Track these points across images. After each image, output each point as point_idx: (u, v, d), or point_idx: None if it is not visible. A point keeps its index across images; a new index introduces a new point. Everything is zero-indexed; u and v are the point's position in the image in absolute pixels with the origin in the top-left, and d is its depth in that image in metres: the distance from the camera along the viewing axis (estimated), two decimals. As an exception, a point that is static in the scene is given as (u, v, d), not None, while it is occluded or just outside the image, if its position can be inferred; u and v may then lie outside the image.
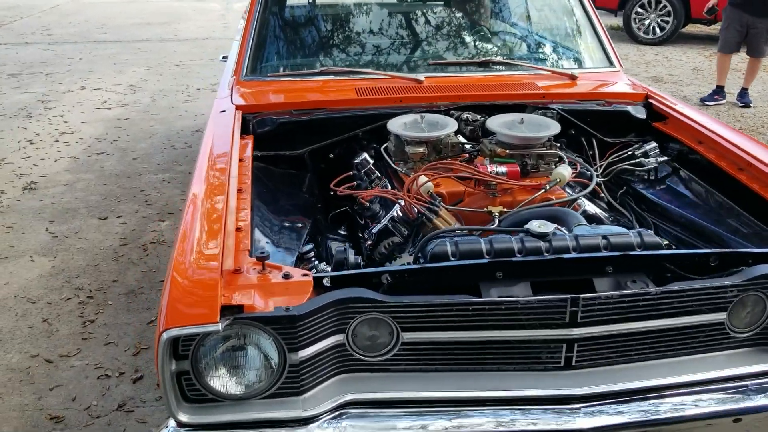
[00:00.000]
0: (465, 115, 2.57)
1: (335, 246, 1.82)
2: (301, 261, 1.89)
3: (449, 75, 2.82)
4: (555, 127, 2.25)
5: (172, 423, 1.53)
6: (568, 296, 1.58)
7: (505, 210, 2.02)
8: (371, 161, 2.40)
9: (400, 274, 1.63)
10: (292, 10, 3.00)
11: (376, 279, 1.62)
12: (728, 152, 2.28)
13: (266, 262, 1.63)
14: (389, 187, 2.28)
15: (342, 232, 2.32)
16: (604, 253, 1.67)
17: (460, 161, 2.31)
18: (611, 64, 3.00)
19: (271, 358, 1.52)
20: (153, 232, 3.99)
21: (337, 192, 2.27)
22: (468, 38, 3.02)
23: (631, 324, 1.64)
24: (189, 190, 2.06)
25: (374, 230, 2.09)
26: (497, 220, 1.99)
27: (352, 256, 1.78)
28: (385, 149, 2.40)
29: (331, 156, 2.61)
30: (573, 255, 1.66)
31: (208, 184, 1.98)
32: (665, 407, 1.63)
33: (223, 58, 3.79)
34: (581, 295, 1.58)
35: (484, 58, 2.87)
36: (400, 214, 2.08)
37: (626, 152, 2.61)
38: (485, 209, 2.03)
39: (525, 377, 1.65)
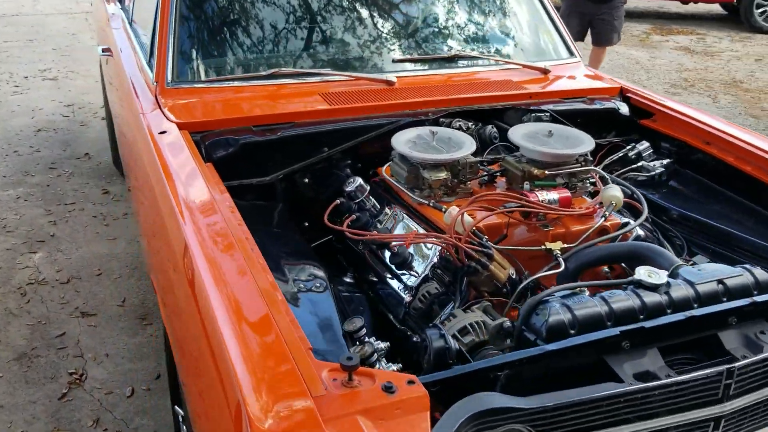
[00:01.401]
0: (457, 123, 2.21)
1: (429, 332, 1.41)
2: (352, 342, 1.46)
3: (419, 74, 2.43)
4: (590, 142, 1.96)
5: None
6: (724, 368, 1.31)
7: (565, 246, 1.71)
8: (367, 188, 1.98)
9: (519, 363, 1.27)
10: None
11: (493, 374, 1.25)
12: (749, 154, 2.13)
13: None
14: (403, 219, 1.87)
15: (348, 280, 1.89)
16: (731, 304, 1.42)
17: (479, 184, 1.96)
18: (572, 54, 2.77)
19: None
20: (27, 269, 3.24)
21: (349, 234, 1.83)
22: (428, 30, 2.63)
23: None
24: (169, 264, 1.53)
25: (415, 283, 1.69)
26: (561, 260, 1.67)
27: (451, 342, 1.39)
28: (390, 173, 1.98)
29: (306, 181, 2.14)
30: (701, 310, 1.40)
31: (210, 256, 1.45)
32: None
33: (104, 51, 3.09)
34: (736, 365, 1.32)
35: (453, 53, 2.51)
36: (439, 259, 1.69)
37: (618, 154, 2.39)
38: (542, 247, 1.70)
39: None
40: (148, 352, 2.72)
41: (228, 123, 2.08)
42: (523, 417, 1.19)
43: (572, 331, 1.34)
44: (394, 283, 1.76)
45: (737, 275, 1.49)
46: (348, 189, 1.97)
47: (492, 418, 1.17)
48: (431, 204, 1.82)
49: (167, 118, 2.09)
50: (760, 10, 9.19)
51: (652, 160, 2.37)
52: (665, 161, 2.34)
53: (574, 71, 2.70)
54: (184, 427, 1.73)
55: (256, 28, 2.41)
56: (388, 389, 1.15)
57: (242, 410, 1.09)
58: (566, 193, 1.81)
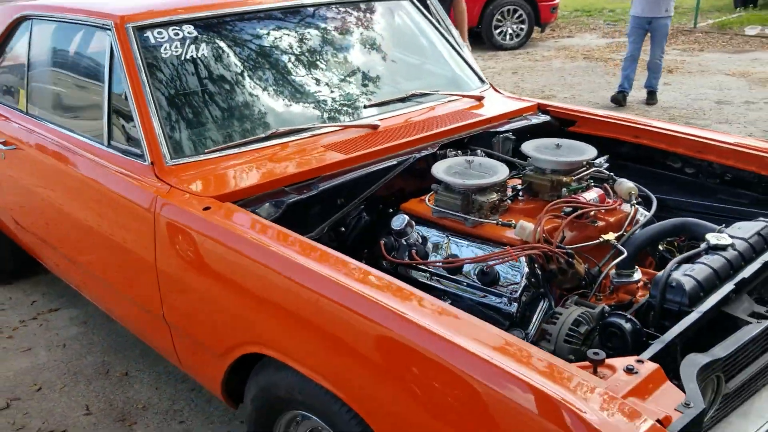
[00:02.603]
0: (452, 153, 2.43)
1: (617, 320, 1.58)
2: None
3: (389, 114, 2.60)
4: (591, 150, 2.28)
5: None
6: None
7: (616, 235, 2.00)
8: (413, 223, 2.11)
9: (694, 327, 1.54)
10: (180, 65, 2.38)
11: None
12: (677, 140, 2.61)
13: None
14: (466, 244, 2.04)
15: None
16: None
17: (509, 199, 2.20)
18: (483, 82, 3.12)
19: None
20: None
21: (442, 266, 1.95)
22: (382, 78, 2.81)
23: None
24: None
25: (515, 294, 1.87)
26: (620, 247, 1.96)
27: (636, 322, 1.60)
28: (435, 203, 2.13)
29: (343, 229, 2.20)
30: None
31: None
32: None
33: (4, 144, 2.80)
34: None
35: (409, 93, 2.72)
36: (530, 267, 1.89)
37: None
38: (600, 240, 1.98)
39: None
40: (155, 450, 2.54)
41: (263, 187, 2.09)
42: (719, 365, 1.45)
43: (701, 294, 1.64)
44: (489, 299, 1.92)
45: (766, 225, 1.90)
46: (396, 226, 2.08)
47: (708, 370, 1.41)
48: (499, 222, 2.02)
49: (193, 194, 2.04)
50: (497, 31, 10.55)
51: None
52: (604, 157, 2.75)
53: (493, 95, 3.04)
54: None
55: (233, 97, 2.42)
56: (631, 370, 1.34)
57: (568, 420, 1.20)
58: (600, 192, 2.12)
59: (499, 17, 10.36)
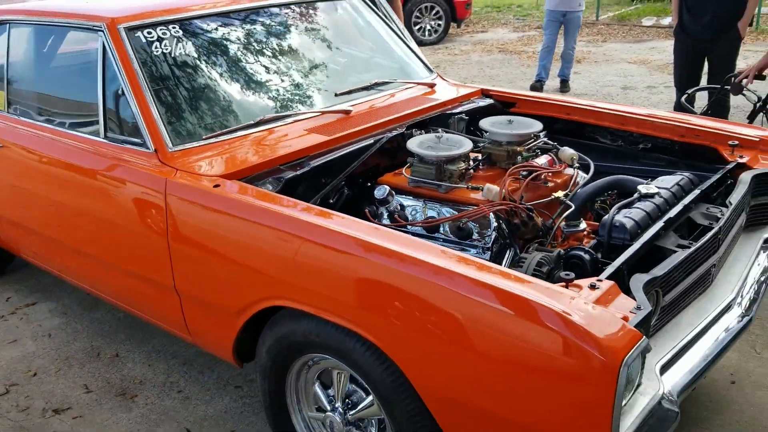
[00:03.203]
0: (417, 132, 2.77)
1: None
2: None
3: (357, 101, 2.92)
4: (538, 124, 2.67)
5: None
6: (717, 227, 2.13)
7: (563, 193, 2.39)
8: (393, 192, 2.44)
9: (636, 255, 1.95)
10: (170, 61, 2.62)
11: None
12: (602, 115, 3.05)
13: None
14: (439, 206, 2.39)
15: None
16: (694, 193, 2.27)
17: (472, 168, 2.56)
18: (431, 71, 3.48)
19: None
20: None
21: (419, 225, 2.28)
22: (347, 69, 3.12)
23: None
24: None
25: (488, 244, 2.22)
26: (569, 202, 2.36)
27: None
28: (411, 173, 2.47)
29: (331, 201, 2.51)
30: (687, 198, 2.22)
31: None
32: None
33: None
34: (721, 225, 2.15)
35: (372, 82, 3.05)
36: (496, 223, 2.26)
37: None
38: (553, 197, 2.37)
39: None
40: (164, 419, 2.77)
41: (262, 166, 2.37)
42: (658, 281, 1.86)
43: (639, 231, 2.05)
44: (466, 252, 2.27)
45: (683, 177, 2.34)
46: (379, 195, 2.40)
47: (650, 285, 1.81)
48: (469, 186, 2.38)
49: (202, 174, 2.31)
50: (417, 27, 10.99)
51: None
52: (543, 132, 3.16)
53: (441, 82, 3.41)
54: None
55: (221, 88, 2.68)
56: (593, 287, 1.73)
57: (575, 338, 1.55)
58: (549, 158, 2.51)
59: (418, 14, 10.82)
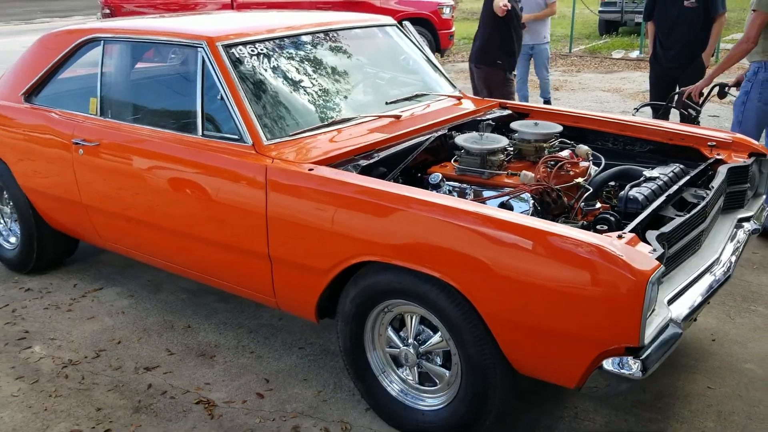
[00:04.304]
0: (455, 133, 3.36)
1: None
2: None
3: (402, 109, 3.51)
4: (558, 126, 3.29)
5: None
6: (707, 200, 2.76)
7: (583, 179, 3.00)
8: (444, 179, 3.02)
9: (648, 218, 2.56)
10: (257, 72, 3.19)
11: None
12: (604, 123, 3.68)
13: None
14: (483, 190, 2.97)
15: None
16: (686, 178, 2.90)
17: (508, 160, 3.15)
18: (454, 88, 4.10)
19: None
20: (43, 360, 3.39)
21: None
22: (394, 83, 3.73)
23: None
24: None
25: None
26: (587, 186, 2.96)
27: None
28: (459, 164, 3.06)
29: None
30: (681, 182, 2.85)
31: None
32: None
33: (83, 141, 3.46)
34: (709, 200, 2.78)
35: (413, 93, 3.65)
36: (533, 200, 2.84)
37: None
38: (574, 182, 2.97)
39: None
40: (243, 372, 3.27)
41: (341, 156, 2.94)
42: (666, 235, 2.45)
43: (647, 203, 2.66)
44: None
45: (676, 166, 2.97)
46: (433, 181, 2.98)
47: (660, 238, 2.41)
48: (508, 173, 2.97)
49: (296, 162, 2.86)
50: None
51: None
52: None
53: (466, 96, 4.02)
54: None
55: (300, 94, 3.26)
56: (621, 237, 2.32)
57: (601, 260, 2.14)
58: (569, 152, 3.12)
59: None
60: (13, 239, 4.39)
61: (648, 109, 5.84)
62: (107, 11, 10.93)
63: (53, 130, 3.72)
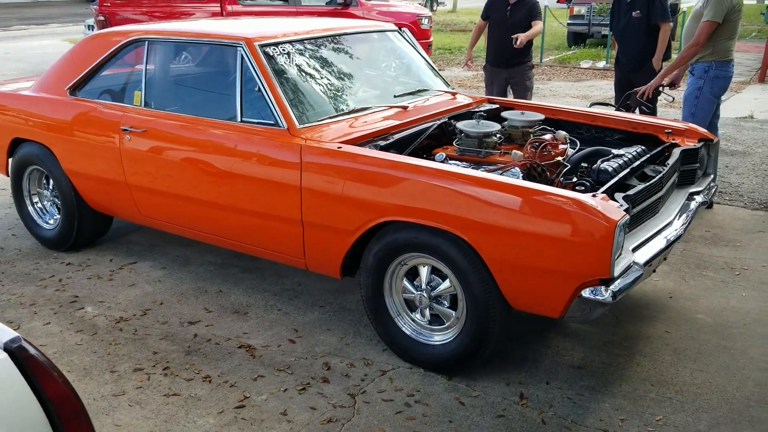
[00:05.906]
0: (454, 122, 3.97)
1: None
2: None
3: (409, 100, 4.11)
4: (540, 115, 3.91)
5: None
6: (661, 175, 3.40)
7: (562, 158, 3.62)
8: (447, 158, 3.62)
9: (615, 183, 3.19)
10: (289, 67, 3.77)
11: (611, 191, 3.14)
12: (577, 115, 4.32)
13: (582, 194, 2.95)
14: (480, 167, 3.58)
15: None
16: (645, 156, 3.54)
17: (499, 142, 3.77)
18: (448, 85, 4.72)
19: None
20: (98, 317, 3.90)
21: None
22: (400, 79, 4.33)
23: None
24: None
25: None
26: (566, 163, 3.58)
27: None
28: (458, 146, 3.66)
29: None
30: (642, 159, 3.49)
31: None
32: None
33: (131, 128, 4.00)
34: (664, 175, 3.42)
35: (418, 88, 4.26)
36: (522, 172, 3.45)
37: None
38: (555, 160, 3.59)
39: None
40: (274, 324, 3.82)
41: (363, 137, 3.52)
42: (630, 197, 3.08)
43: (616, 173, 3.29)
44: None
45: (639, 147, 3.61)
46: (438, 160, 3.58)
47: (626, 198, 3.03)
48: (501, 152, 3.58)
49: (325, 141, 3.44)
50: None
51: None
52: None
53: (458, 92, 4.64)
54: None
55: (325, 86, 3.84)
56: (595, 196, 2.94)
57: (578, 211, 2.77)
58: (551, 135, 3.74)
59: (387, 52, 12.16)
60: (51, 220, 4.89)
61: (612, 105, 6.55)
62: (101, 18, 11.37)
63: (101, 120, 4.25)
